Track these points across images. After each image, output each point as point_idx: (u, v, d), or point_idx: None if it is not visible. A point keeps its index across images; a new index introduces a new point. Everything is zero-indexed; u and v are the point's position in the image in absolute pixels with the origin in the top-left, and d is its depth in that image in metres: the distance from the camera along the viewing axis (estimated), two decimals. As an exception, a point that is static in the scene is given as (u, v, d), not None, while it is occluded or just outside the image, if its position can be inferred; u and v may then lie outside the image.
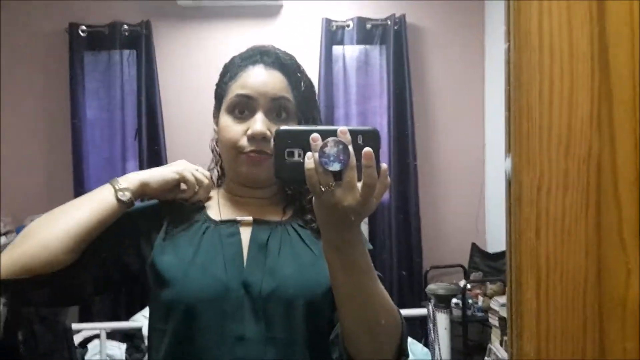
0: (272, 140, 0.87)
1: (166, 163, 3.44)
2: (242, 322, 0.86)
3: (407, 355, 0.85)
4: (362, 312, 0.78)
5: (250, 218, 0.95)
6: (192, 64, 3.54)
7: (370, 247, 0.94)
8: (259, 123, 0.92)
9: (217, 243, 0.91)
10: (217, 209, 0.98)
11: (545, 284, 0.48)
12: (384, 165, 0.69)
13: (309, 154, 0.68)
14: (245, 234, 0.93)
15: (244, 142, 0.92)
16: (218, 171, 1.05)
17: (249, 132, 0.92)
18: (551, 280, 0.49)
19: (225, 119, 0.95)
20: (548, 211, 0.48)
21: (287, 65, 0.97)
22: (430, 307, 2.29)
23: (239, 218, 0.95)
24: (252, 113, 0.93)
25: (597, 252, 0.50)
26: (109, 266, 0.92)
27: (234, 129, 0.94)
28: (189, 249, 0.90)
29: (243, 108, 0.94)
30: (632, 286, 0.54)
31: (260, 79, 0.95)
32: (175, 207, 0.97)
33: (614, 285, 0.53)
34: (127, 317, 2.91)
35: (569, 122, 0.48)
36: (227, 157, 0.97)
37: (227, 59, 1.03)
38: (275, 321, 0.86)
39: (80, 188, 3.41)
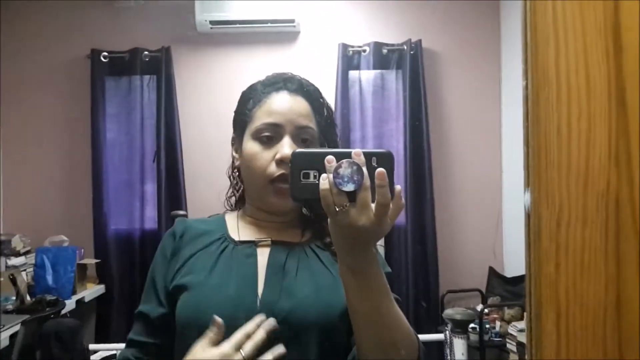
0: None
1: (184, 186, 3.52)
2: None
3: None
4: (378, 335, 0.78)
5: (269, 240, 0.97)
6: (211, 89, 3.61)
7: (389, 270, 0.94)
8: (286, 147, 0.93)
9: (234, 263, 0.93)
10: (237, 230, 1.00)
11: (565, 317, 0.49)
12: (397, 187, 0.70)
13: (323, 175, 0.69)
14: (263, 255, 0.95)
15: (272, 168, 0.94)
16: (235, 197, 1.07)
17: (278, 156, 0.94)
18: (571, 313, 0.49)
19: (252, 146, 0.97)
20: (567, 245, 0.49)
21: (310, 92, 1.00)
22: (447, 333, 2.27)
23: (257, 239, 0.97)
24: (279, 139, 0.95)
25: (617, 285, 0.51)
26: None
27: (262, 156, 0.95)
28: (205, 268, 0.93)
29: (270, 134, 0.96)
30: (652, 318, 0.54)
31: (286, 105, 0.97)
32: (196, 228, 1.00)
33: (632, 316, 0.54)
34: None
35: (587, 158, 0.49)
36: (254, 184, 0.98)
37: (245, 84, 1.05)
38: (289, 343, 0.86)
39: (99, 209, 3.46)
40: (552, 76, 0.49)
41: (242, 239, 0.98)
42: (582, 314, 0.49)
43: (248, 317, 0.85)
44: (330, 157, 0.69)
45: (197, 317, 0.87)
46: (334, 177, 0.69)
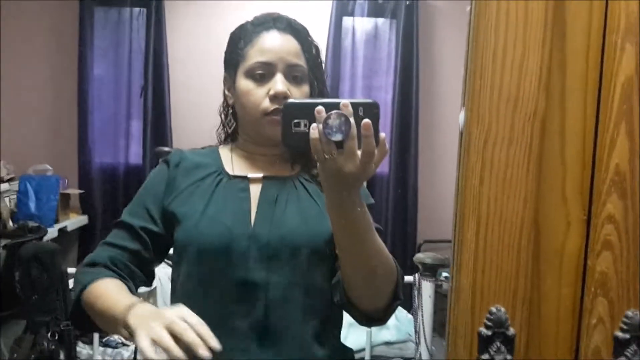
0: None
1: (170, 123, 3.53)
2: (247, 267, 0.94)
3: (401, 299, 0.93)
4: (360, 263, 0.86)
5: (260, 175, 1.03)
6: (201, 26, 3.56)
7: (372, 201, 1.02)
8: (280, 83, 0.98)
9: (228, 196, 1.00)
10: (231, 164, 1.05)
11: (485, 226, 0.54)
12: (382, 135, 0.75)
13: (313, 125, 0.74)
14: (256, 189, 1.02)
15: (266, 103, 0.99)
16: (226, 132, 1.12)
17: (272, 92, 0.98)
18: (490, 223, 0.54)
19: (246, 83, 1.01)
20: (492, 162, 0.54)
21: (298, 30, 1.04)
22: (416, 275, 2.36)
23: (250, 175, 1.03)
24: (271, 76, 1.00)
25: (536, 203, 0.55)
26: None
27: (257, 92, 1.00)
28: (202, 199, 0.99)
29: (263, 72, 1.00)
30: (571, 238, 0.60)
31: (277, 43, 1.01)
32: (191, 159, 1.05)
33: (552, 235, 0.59)
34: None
35: (519, 83, 0.53)
36: (249, 119, 1.03)
37: (236, 23, 1.08)
38: (279, 267, 0.95)
39: (84, 142, 3.47)
40: (493, 4, 0.52)
41: (236, 173, 1.03)
42: (501, 226, 0.54)
43: (242, 245, 0.95)
44: (320, 107, 0.74)
45: (194, 244, 0.96)
46: (323, 127, 0.73)
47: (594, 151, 0.56)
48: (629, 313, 0.56)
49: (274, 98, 0.98)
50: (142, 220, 1.01)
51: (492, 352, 0.54)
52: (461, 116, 0.55)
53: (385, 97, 3.62)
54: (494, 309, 0.54)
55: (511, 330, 0.55)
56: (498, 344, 0.54)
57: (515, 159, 0.54)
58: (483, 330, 0.54)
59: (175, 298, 1.01)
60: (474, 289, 0.54)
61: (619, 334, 0.56)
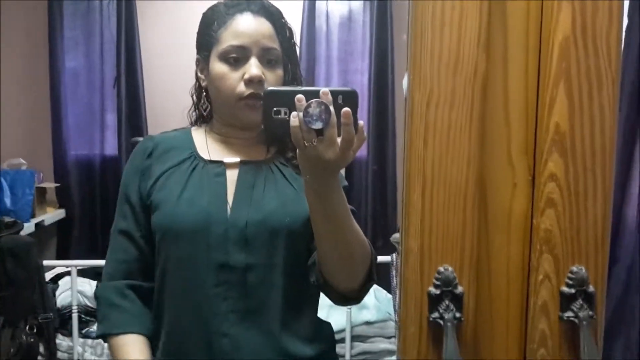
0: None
1: (145, 112, 3.49)
2: (225, 251, 0.95)
3: (375, 280, 0.96)
4: (336, 245, 0.88)
5: (237, 159, 1.03)
6: (173, 12, 3.51)
7: (346, 183, 1.04)
8: (254, 67, 0.98)
9: (205, 181, 1.00)
10: (206, 148, 1.05)
11: (430, 188, 0.55)
12: (361, 123, 0.77)
13: (294, 113, 0.75)
14: (232, 173, 1.02)
15: (241, 87, 0.99)
16: (199, 114, 1.11)
17: (246, 76, 0.98)
18: (435, 185, 0.55)
19: (220, 67, 1.00)
20: (435, 125, 0.54)
21: (272, 13, 1.03)
22: (394, 255, 2.37)
23: (226, 160, 1.03)
24: (246, 59, 0.99)
25: (480, 164, 0.56)
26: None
27: (231, 76, 0.99)
28: (178, 183, 1.00)
29: (237, 56, 0.99)
30: (517, 198, 0.61)
31: (251, 26, 1.00)
32: (164, 144, 1.05)
33: (499, 196, 0.60)
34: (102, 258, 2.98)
35: (458, 44, 0.54)
36: (224, 103, 1.02)
37: (207, 6, 1.06)
38: (257, 249, 0.96)
39: (58, 134, 3.43)
40: (430, -35, 0.53)
41: (212, 157, 1.03)
42: (445, 186, 0.55)
43: (220, 227, 0.96)
44: (300, 96, 0.75)
45: (172, 228, 0.97)
46: (303, 116, 0.74)
47: (537, 111, 0.57)
48: (574, 268, 0.58)
49: (249, 82, 0.98)
50: (134, 221, 1.03)
51: (441, 311, 0.55)
52: (404, 81, 0.55)
53: (362, 80, 3.62)
54: (441, 269, 0.55)
55: (459, 289, 0.56)
56: (447, 302, 0.55)
57: (457, 121, 0.55)
58: (432, 289, 0.55)
59: (157, 284, 1.02)
60: (422, 250, 0.55)
61: (565, 289, 0.58)
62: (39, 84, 3.51)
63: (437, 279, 0.55)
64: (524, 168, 0.60)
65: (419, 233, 0.54)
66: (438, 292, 0.55)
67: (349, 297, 0.95)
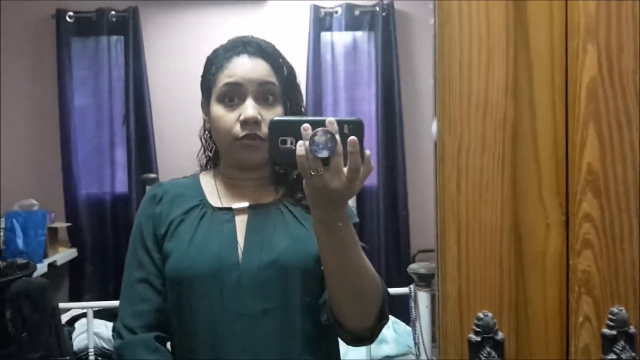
0: (266, 128, 0.91)
1: (154, 149, 3.52)
2: (239, 298, 0.94)
3: (387, 319, 0.93)
4: (347, 281, 0.87)
5: (245, 204, 1.02)
6: (180, 50, 3.57)
7: (357, 220, 1.02)
8: (250, 109, 0.97)
9: (214, 228, 0.99)
10: (216, 193, 1.05)
11: (465, 233, 0.55)
12: (367, 152, 0.76)
13: (300, 142, 0.75)
14: (242, 219, 1.01)
15: (237, 128, 0.98)
16: (208, 157, 1.12)
17: (242, 117, 0.97)
18: (470, 230, 0.55)
19: (217, 109, 1.01)
20: (467, 169, 0.54)
21: (269, 53, 1.04)
22: (412, 286, 2.35)
23: (234, 206, 1.02)
24: (242, 100, 0.99)
25: (513, 207, 0.56)
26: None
27: (227, 117, 0.99)
28: (188, 231, 0.99)
29: (233, 96, 0.99)
30: (551, 239, 0.60)
31: (246, 67, 1.01)
32: (173, 191, 1.05)
33: (534, 238, 0.60)
34: (115, 297, 2.96)
35: (486, 90, 0.54)
36: (223, 144, 1.03)
37: (215, 45, 1.08)
38: (272, 292, 0.94)
39: (69, 174, 3.45)
40: (455, 15, 0.53)
41: (221, 203, 1.03)
42: (481, 232, 0.55)
43: (232, 274, 0.94)
44: (306, 125, 0.75)
45: (185, 274, 0.95)
46: (309, 145, 0.74)
47: (567, 152, 0.57)
48: (614, 309, 0.57)
49: (245, 123, 0.97)
50: (154, 268, 1.00)
51: (482, 358, 0.54)
52: (434, 126, 0.55)
53: (369, 108, 3.65)
54: (481, 315, 0.55)
55: (500, 335, 0.55)
56: (488, 349, 0.54)
57: (489, 165, 0.54)
58: (472, 336, 0.55)
59: (172, 335, 0.99)
60: (460, 296, 0.55)
61: (606, 330, 0.57)
62: (48, 123, 3.55)
63: (477, 325, 0.54)
64: (557, 209, 0.59)
65: (456, 279, 0.54)
66: (479, 338, 0.54)
67: (361, 336, 0.93)
